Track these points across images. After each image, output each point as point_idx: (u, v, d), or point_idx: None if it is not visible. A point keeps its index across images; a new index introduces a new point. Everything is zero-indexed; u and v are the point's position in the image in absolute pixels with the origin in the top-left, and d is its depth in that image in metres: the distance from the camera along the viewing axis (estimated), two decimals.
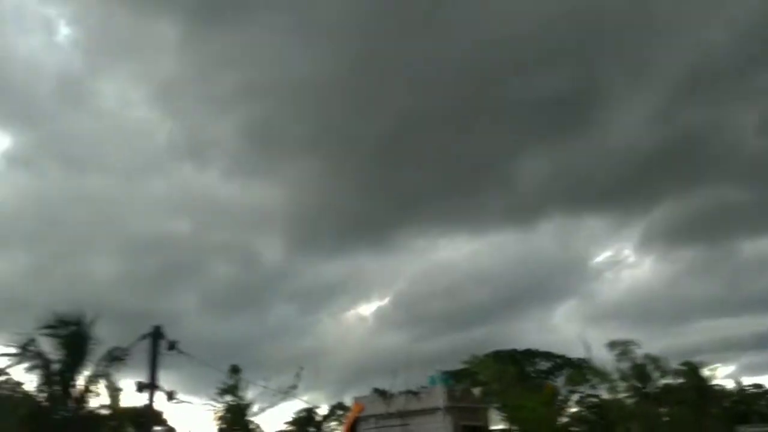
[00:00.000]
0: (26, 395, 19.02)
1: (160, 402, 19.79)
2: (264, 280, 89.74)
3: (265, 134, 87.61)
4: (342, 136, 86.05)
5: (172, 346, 19.32)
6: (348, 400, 39.35)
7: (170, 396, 19.77)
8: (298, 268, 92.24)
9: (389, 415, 32.22)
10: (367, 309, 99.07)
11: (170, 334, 20.57)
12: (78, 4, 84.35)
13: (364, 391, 35.60)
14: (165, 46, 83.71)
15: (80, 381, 19.70)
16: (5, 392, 18.86)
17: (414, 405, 31.88)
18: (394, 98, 79.98)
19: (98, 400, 20.04)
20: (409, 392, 32.51)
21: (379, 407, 33.01)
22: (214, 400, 31.18)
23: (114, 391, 21.07)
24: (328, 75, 77.01)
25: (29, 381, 19.03)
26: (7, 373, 18.57)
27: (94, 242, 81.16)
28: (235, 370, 31.58)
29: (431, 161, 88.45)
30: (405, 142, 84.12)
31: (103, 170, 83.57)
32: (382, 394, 33.32)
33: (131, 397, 21.06)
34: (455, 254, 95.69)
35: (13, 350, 18.50)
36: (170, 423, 44.35)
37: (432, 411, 30.99)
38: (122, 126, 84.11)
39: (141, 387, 19.10)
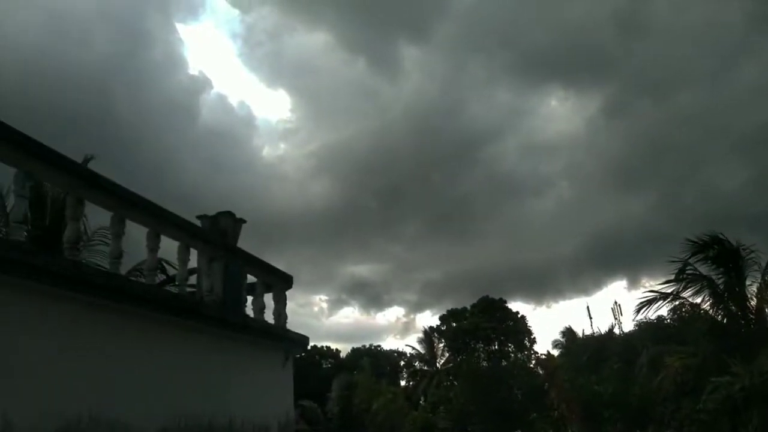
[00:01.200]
0: (704, 314, 20.30)
1: None
2: None
3: None
4: None
5: None
6: None
7: None
8: None
9: None
10: None
11: None
12: None
13: None
14: None
15: (751, 295, 19.60)
16: (683, 314, 20.70)
17: None
18: None
19: None
20: None
21: None
22: None
23: None
24: None
25: (701, 302, 20.27)
26: (682, 298, 20.41)
27: (707, 158, 74.67)
28: None
29: None
30: None
31: (690, 85, 74.66)
32: None
33: None
34: None
35: (672, 278, 20.34)
36: None
37: None
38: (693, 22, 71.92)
39: None
